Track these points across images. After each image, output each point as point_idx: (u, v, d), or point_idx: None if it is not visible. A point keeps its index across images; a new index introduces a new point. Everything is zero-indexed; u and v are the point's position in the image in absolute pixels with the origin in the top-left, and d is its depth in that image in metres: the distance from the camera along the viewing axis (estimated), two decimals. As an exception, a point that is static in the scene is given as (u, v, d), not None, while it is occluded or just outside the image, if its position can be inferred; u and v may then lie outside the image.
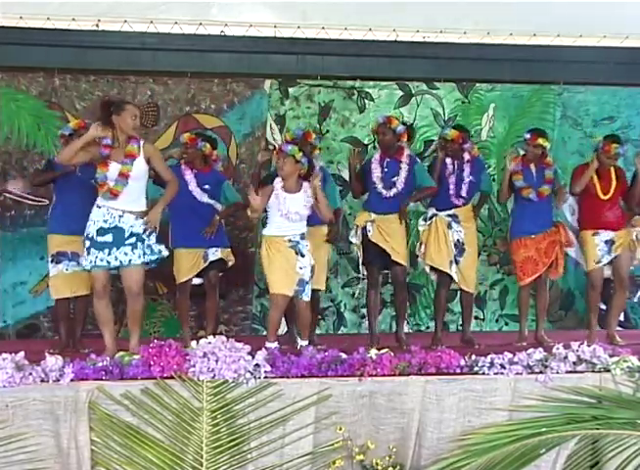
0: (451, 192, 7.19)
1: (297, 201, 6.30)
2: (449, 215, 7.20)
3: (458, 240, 7.17)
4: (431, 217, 7.25)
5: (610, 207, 7.26)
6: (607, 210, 7.24)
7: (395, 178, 7.05)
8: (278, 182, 6.36)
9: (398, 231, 7.08)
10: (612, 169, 7.29)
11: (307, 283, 6.30)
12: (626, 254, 7.27)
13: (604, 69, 8.56)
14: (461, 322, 7.99)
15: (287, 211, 6.27)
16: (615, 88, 9.01)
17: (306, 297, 6.33)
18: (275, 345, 6.15)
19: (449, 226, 7.18)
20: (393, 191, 7.05)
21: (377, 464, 5.49)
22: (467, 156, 7.26)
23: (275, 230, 6.33)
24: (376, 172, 7.10)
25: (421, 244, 7.29)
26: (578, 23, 7.86)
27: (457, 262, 7.17)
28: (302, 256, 6.28)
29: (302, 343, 6.35)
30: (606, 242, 7.19)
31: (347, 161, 7.41)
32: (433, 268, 7.30)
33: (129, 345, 6.00)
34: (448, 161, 7.24)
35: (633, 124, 9.00)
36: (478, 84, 8.85)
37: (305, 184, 6.36)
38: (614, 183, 7.25)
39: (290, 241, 6.27)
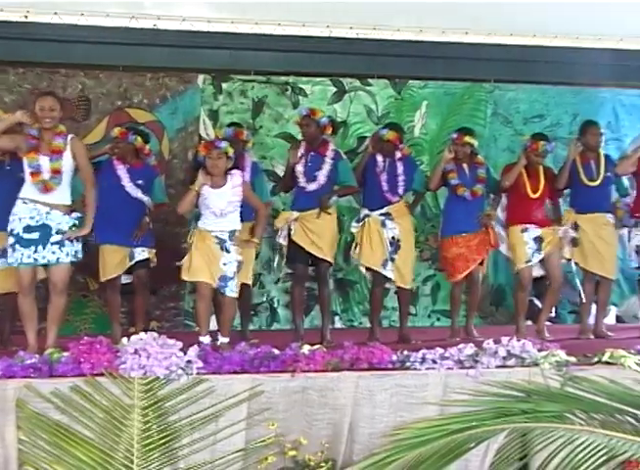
0: (385, 188, 7.21)
1: (222, 196, 6.25)
2: (382, 214, 7.21)
3: (393, 237, 7.19)
4: (363, 218, 7.26)
5: (538, 205, 7.37)
6: (535, 208, 7.35)
7: (317, 172, 7.04)
8: (203, 178, 6.30)
9: (324, 226, 7.05)
10: (541, 169, 7.39)
11: (231, 279, 6.25)
12: (556, 252, 7.38)
13: (534, 67, 8.69)
14: (394, 318, 8.07)
15: (212, 207, 6.23)
16: (544, 87, 9.16)
17: (230, 293, 6.28)
18: (208, 339, 6.11)
19: (383, 224, 7.19)
20: (315, 185, 7.03)
21: (309, 460, 5.48)
22: (398, 153, 7.29)
23: (204, 224, 6.28)
24: (299, 166, 7.09)
25: (356, 245, 7.30)
26: (508, 22, 7.94)
27: (393, 260, 7.19)
28: (228, 252, 6.24)
29: (223, 340, 6.26)
30: (534, 239, 7.29)
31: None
32: (368, 268, 7.31)
33: (46, 342, 5.89)
34: (379, 158, 7.26)
35: (562, 123, 9.16)
36: (411, 81, 8.92)
37: (232, 179, 6.32)
38: (542, 182, 7.35)
39: (217, 237, 6.23)
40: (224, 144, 6.33)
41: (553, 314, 8.64)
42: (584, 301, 7.63)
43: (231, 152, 6.33)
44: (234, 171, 6.36)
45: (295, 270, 7.23)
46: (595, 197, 7.43)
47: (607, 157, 7.59)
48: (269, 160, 8.55)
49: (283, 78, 8.63)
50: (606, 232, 7.49)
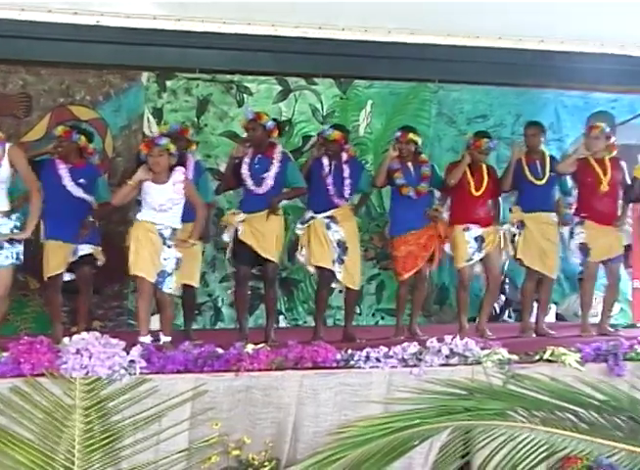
0: (331, 192, 7.22)
1: (162, 192, 6.21)
2: (327, 217, 7.22)
3: (339, 240, 7.21)
4: (308, 220, 7.26)
5: (481, 203, 7.45)
6: (478, 206, 7.43)
7: (265, 175, 7.03)
8: (144, 173, 6.25)
9: (271, 227, 7.04)
10: (484, 167, 7.46)
11: (170, 275, 6.21)
12: (496, 251, 7.46)
13: (478, 68, 8.74)
14: (339, 317, 8.09)
15: (152, 202, 6.19)
16: (488, 87, 9.24)
17: (167, 289, 6.24)
18: (148, 339, 6.06)
19: (328, 227, 7.20)
20: (263, 188, 7.02)
21: (253, 459, 5.49)
22: (345, 156, 7.31)
23: (145, 216, 6.24)
24: (246, 169, 7.07)
25: (302, 247, 7.29)
26: (452, 22, 7.99)
27: (342, 261, 7.21)
28: (169, 247, 6.20)
29: (165, 339, 6.22)
30: (475, 239, 7.36)
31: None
32: (316, 267, 7.29)
33: None
34: (325, 161, 7.27)
35: (505, 123, 9.27)
36: (356, 81, 8.94)
37: (174, 176, 6.28)
38: (485, 180, 7.43)
39: (159, 230, 6.19)
40: (165, 141, 6.30)
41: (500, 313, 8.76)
42: (525, 299, 7.72)
43: (173, 149, 6.30)
44: (177, 168, 6.32)
45: (239, 270, 7.20)
46: (541, 196, 7.55)
47: (551, 157, 7.71)
48: (214, 158, 8.51)
49: (228, 77, 8.60)
50: (550, 231, 7.60)
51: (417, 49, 8.44)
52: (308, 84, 8.85)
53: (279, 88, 8.77)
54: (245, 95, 8.66)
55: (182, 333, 7.00)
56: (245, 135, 7.25)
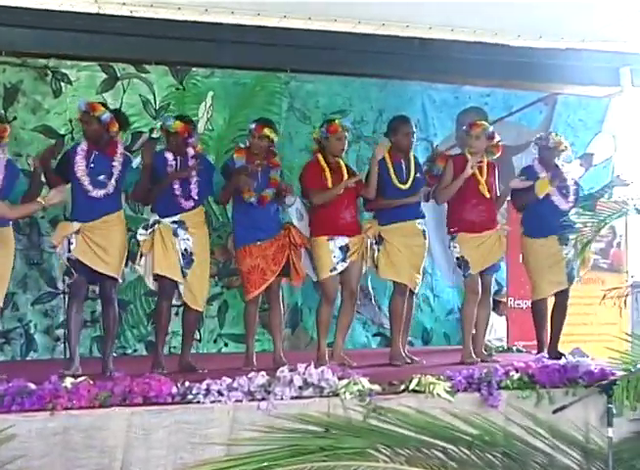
0: (177, 193, 7.17)
1: None
2: (175, 222, 7.18)
3: (186, 249, 7.17)
4: (152, 225, 7.20)
5: (345, 207, 7.52)
6: (343, 209, 7.49)
7: (103, 176, 6.97)
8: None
9: (113, 238, 6.99)
10: (342, 164, 7.53)
11: None
12: (358, 263, 7.57)
13: (335, 56, 8.86)
14: (176, 344, 8.02)
15: None
16: (346, 79, 9.38)
17: None
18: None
19: (175, 234, 7.16)
20: (103, 191, 6.97)
21: (70, 513, 5.39)
22: (191, 151, 7.28)
23: None
24: (81, 167, 6.98)
25: (141, 256, 7.22)
26: (306, 3, 8.08)
27: (185, 275, 7.18)
28: None
29: None
30: (341, 248, 7.44)
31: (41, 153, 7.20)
32: (156, 279, 7.24)
33: None
34: (169, 156, 7.22)
35: (366, 119, 9.40)
36: (194, 69, 8.93)
37: None
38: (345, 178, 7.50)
39: None
40: None
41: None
42: (395, 319, 7.77)
43: None
44: None
45: (77, 288, 7.08)
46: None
47: (415, 158, 7.86)
48: (25, 158, 8.31)
49: (42, 61, 8.44)
50: (416, 242, 7.75)
51: (265, 33, 8.52)
52: (138, 72, 8.78)
53: (103, 76, 8.66)
54: (62, 83, 8.52)
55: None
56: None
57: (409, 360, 7.69)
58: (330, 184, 7.45)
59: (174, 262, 7.15)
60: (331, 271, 7.47)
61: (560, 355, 7.50)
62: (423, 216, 7.80)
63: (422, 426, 5.34)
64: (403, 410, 5.78)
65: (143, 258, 7.23)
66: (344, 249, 7.46)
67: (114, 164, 7.04)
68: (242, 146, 7.51)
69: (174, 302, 7.42)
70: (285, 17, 8.43)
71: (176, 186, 7.19)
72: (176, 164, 7.25)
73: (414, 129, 7.79)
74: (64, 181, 6.94)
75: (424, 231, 7.78)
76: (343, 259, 7.46)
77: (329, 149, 7.51)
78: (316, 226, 7.56)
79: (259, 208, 7.35)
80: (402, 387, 6.14)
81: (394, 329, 7.77)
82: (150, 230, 7.19)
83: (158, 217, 7.21)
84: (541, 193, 7.83)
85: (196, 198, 7.27)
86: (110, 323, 7.18)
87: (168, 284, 7.21)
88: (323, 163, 7.51)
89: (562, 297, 7.98)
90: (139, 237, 7.27)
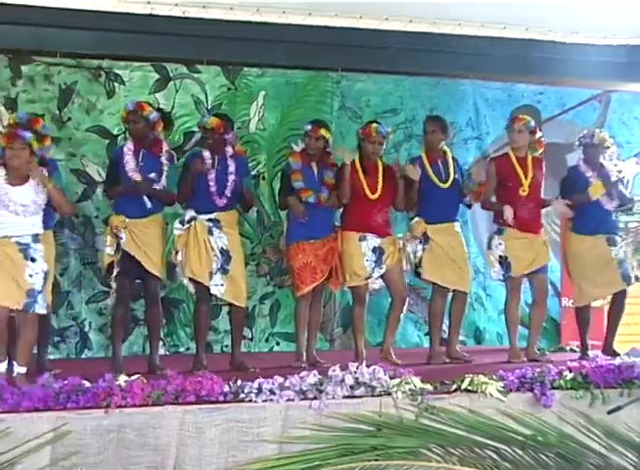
0: (212, 190, 7.20)
1: (23, 193, 6.16)
2: (210, 220, 7.21)
3: (222, 248, 7.20)
4: (189, 221, 7.24)
5: (379, 208, 7.52)
6: (376, 212, 7.49)
7: (154, 174, 7.04)
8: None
9: (155, 237, 7.07)
10: (379, 165, 7.53)
11: (40, 293, 6.13)
12: (398, 265, 7.54)
13: (385, 55, 8.84)
14: (227, 342, 8.05)
15: (11, 204, 6.10)
16: (398, 77, 9.35)
17: (40, 309, 6.15)
18: (3, 367, 5.99)
19: (210, 232, 7.19)
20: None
21: (125, 509, 5.44)
22: (230, 149, 7.31)
23: (1, 230, 6.14)
24: (131, 166, 7.06)
25: (177, 252, 7.27)
26: (359, 3, 8.08)
27: (226, 272, 7.19)
28: (33, 260, 6.12)
29: (20, 370, 6.07)
30: (373, 250, 7.42)
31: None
32: (191, 280, 7.28)
33: None
34: (207, 154, 7.25)
35: (418, 118, 9.30)
36: (246, 69, 8.95)
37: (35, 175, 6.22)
38: (381, 181, 7.49)
39: (18, 244, 6.10)
40: (29, 135, 6.23)
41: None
42: (434, 320, 7.77)
43: (37, 146, 6.27)
44: (39, 168, 6.26)
45: (121, 287, 7.15)
46: (445, 203, 7.67)
47: (454, 159, 7.85)
48: (79, 158, 8.40)
49: (95, 62, 8.51)
50: (458, 243, 7.74)
51: (316, 32, 8.51)
52: (191, 72, 8.81)
53: (156, 76, 8.71)
54: (116, 84, 8.58)
55: (34, 363, 6.81)
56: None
57: (462, 358, 7.67)
58: (365, 185, 7.46)
59: (205, 265, 7.17)
60: (367, 278, 7.47)
61: (615, 354, 7.44)
62: (458, 220, 7.84)
63: (474, 426, 5.30)
64: (455, 410, 5.77)
65: (179, 254, 7.27)
66: (378, 251, 7.45)
67: (162, 161, 7.13)
68: (295, 148, 7.54)
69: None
70: (336, 15, 8.43)
71: (212, 183, 7.22)
72: (213, 162, 7.26)
73: (446, 128, 7.78)
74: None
75: (459, 233, 7.81)
76: (379, 265, 7.45)
77: (364, 151, 7.53)
78: (347, 221, 7.58)
79: (316, 207, 7.38)
80: (454, 386, 6.14)
81: (433, 331, 7.80)
82: (186, 226, 7.23)
83: (194, 214, 7.25)
84: (595, 196, 7.75)
85: (229, 195, 7.28)
86: (154, 322, 7.28)
87: (203, 286, 7.26)
88: (357, 164, 7.52)
89: (619, 295, 7.89)
90: (175, 231, 7.30)
